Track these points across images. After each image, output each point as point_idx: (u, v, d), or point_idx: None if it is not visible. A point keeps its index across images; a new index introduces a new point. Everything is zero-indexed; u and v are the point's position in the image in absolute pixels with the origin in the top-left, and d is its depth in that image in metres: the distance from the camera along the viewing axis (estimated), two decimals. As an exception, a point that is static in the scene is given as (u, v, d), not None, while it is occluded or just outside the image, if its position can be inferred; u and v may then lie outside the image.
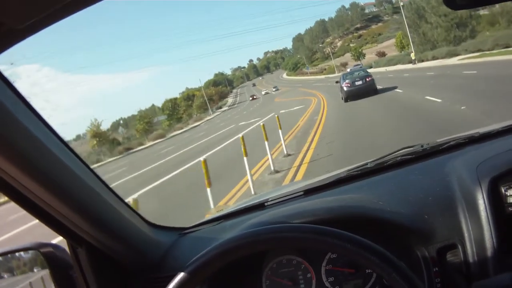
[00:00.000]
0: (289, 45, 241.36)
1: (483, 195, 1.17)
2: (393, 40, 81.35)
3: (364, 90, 21.41)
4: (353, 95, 21.65)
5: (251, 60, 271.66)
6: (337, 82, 25.12)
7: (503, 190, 1.18)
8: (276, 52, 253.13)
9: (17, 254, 1.45)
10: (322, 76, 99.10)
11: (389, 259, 0.93)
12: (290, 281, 1.37)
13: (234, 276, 1.37)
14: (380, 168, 1.60)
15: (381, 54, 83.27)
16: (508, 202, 1.17)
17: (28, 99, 0.96)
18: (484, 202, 1.17)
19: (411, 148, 1.69)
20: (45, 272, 1.33)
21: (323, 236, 0.98)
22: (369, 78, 22.08)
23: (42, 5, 0.73)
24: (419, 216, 1.24)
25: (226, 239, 1.03)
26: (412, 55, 44.93)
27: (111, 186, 1.25)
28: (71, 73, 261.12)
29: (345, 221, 1.26)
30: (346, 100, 22.14)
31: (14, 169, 0.93)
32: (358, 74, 23.12)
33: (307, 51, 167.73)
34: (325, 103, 26.59)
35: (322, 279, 1.35)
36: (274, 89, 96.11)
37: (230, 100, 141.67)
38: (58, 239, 1.32)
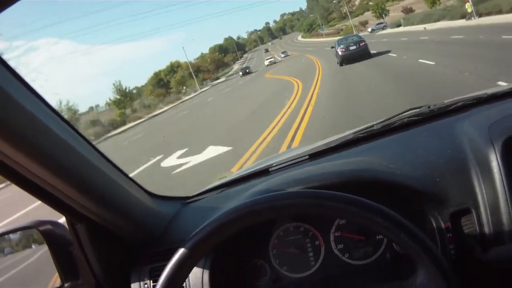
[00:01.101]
0: (304, 5, 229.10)
1: (496, 156, 1.13)
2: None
3: (358, 54, 22.63)
4: (347, 59, 22.86)
5: (267, 23, 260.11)
6: (332, 47, 26.56)
7: None
8: (293, 14, 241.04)
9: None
10: (339, 37, 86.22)
11: (397, 220, 0.91)
12: (298, 249, 1.34)
13: (241, 244, 1.35)
14: (387, 130, 1.58)
15: (408, 11, 69.99)
16: None
17: (21, 74, 0.95)
18: (498, 164, 1.12)
19: (418, 109, 1.64)
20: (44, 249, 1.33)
21: (324, 200, 0.96)
22: (363, 43, 23.37)
23: None
24: (430, 179, 1.20)
25: (223, 212, 1.00)
26: (468, 6, 27.67)
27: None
28: (91, 44, 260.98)
29: (355, 185, 1.22)
30: (341, 64, 23.31)
31: (7, 145, 0.90)
32: (352, 39, 24.27)
33: (323, 11, 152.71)
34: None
35: (331, 246, 1.32)
36: (282, 55, 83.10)
37: (236, 67, 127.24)
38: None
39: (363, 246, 1.30)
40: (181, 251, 0.98)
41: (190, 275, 1.11)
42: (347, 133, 1.72)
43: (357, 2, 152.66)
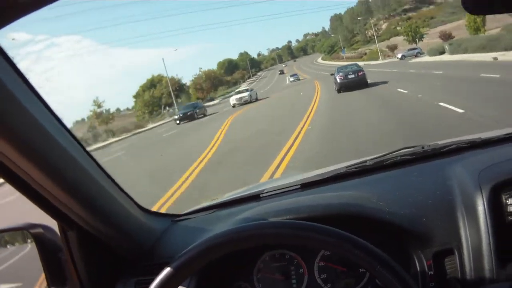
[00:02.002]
0: (327, 25, 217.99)
1: (483, 202, 1.16)
2: (453, 24, 57.98)
3: (356, 83, 23.52)
4: (345, 87, 23.69)
5: (289, 42, 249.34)
6: (331, 74, 27.48)
7: (504, 199, 1.16)
8: (316, 35, 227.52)
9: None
10: (361, 63, 73.28)
11: (372, 251, 0.94)
12: (282, 275, 1.36)
13: (226, 266, 1.37)
14: (379, 167, 1.60)
15: (447, 36, 58.58)
16: (508, 211, 1.15)
17: (27, 77, 0.96)
18: (485, 209, 1.15)
19: (412, 149, 1.66)
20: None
21: (307, 232, 0.99)
22: (361, 73, 24.39)
23: None
24: (417, 218, 1.23)
25: (211, 236, 1.04)
26: None
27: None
28: (109, 45, 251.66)
29: (342, 219, 1.25)
30: (339, 91, 24.22)
31: (7, 147, 0.92)
32: (352, 68, 25.31)
33: (346, 32, 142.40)
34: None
35: (315, 276, 1.34)
36: (292, 79, 70.64)
37: (244, 86, 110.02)
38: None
39: (346, 278, 1.31)
40: (168, 269, 1.00)
41: None
42: (340, 166, 1.74)
43: (384, 26, 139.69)
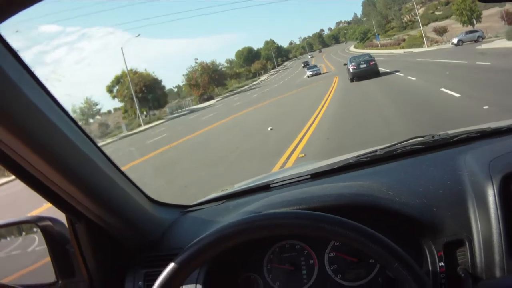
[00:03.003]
0: (359, 10, 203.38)
1: (494, 192, 1.14)
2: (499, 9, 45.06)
3: (367, 72, 24.21)
4: (358, 76, 24.54)
5: (322, 30, 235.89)
6: (344, 64, 28.98)
7: None
8: (349, 23, 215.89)
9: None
10: (400, 51, 58.43)
11: (391, 247, 0.94)
12: (292, 266, 1.36)
13: (236, 257, 1.38)
14: (389, 156, 1.59)
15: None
16: None
17: (33, 69, 0.97)
18: (495, 200, 1.14)
19: (422, 138, 1.66)
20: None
21: (320, 223, 0.99)
22: (373, 62, 24.97)
23: None
24: (428, 208, 1.22)
25: (221, 226, 1.04)
26: None
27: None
28: (146, 36, 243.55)
29: (353, 209, 1.25)
30: (351, 80, 25.07)
31: (15, 141, 0.94)
32: (364, 58, 25.99)
33: (380, 18, 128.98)
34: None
35: (325, 266, 1.34)
36: (309, 72, 51.52)
37: (264, 77, 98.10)
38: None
39: (356, 268, 1.31)
40: (177, 260, 1.00)
41: (184, 285, 1.13)
42: (350, 155, 1.74)
43: (420, 11, 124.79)
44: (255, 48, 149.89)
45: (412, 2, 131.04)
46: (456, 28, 56.55)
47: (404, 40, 76.22)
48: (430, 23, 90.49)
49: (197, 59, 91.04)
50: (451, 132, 1.66)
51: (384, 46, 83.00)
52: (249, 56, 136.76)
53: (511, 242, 1.09)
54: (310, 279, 1.34)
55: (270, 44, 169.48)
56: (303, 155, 8.82)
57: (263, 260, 1.39)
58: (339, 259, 1.33)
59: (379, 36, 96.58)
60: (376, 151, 1.65)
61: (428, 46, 51.58)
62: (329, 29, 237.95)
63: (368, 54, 27.90)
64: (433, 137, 1.64)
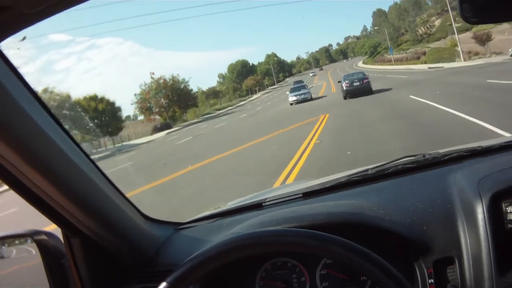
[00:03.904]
0: (369, 23, 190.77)
1: (483, 210, 1.16)
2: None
3: (360, 90, 24.55)
4: (351, 94, 24.84)
5: (330, 45, 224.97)
6: (339, 82, 29.06)
7: (504, 207, 1.16)
8: (358, 38, 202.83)
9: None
10: (422, 66, 45.20)
11: (382, 265, 0.94)
12: (284, 283, 1.38)
13: (229, 274, 1.39)
14: (381, 175, 1.60)
15: None
16: (508, 219, 1.16)
17: (32, 85, 1.00)
18: (484, 218, 1.15)
19: (413, 157, 1.67)
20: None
21: (309, 240, 1.00)
22: (366, 80, 25.28)
23: None
24: (418, 226, 1.24)
25: (215, 244, 1.05)
26: None
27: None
28: (154, 48, 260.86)
29: (344, 227, 1.26)
30: (345, 97, 25.30)
31: (13, 155, 0.96)
32: (357, 76, 26.17)
33: (391, 30, 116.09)
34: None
35: (316, 284, 1.35)
36: (294, 97, 34.35)
37: (254, 97, 79.68)
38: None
39: (348, 286, 1.32)
40: (170, 278, 1.01)
41: None
42: (341, 174, 1.75)
43: (436, 23, 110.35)
44: (255, 62, 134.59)
45: (427, 13, 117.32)
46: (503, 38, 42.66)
47: (424, 53, 62.73)
48: (447, 35, 77.13)
49: (153, 73, 67.01)
50: (442, 151, 1.66)
51: (399, 62, 69.80)
52: (243, 71, 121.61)
53: (500, 260, 1.11)
54: None
55: (272, 57, 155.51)
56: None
57: (255, 277, 1.40)
58: (330, 276, 1.34)
59: (392, 49, 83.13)
60: (367, 170, 1.65)
61: (465, 60, 37.30)
62: (338, 44, 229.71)
63: (362, 72, 28.06)
64: (424, 156, 1.63)
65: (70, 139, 1.11)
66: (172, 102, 60.03)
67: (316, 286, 1.35)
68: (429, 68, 37.72)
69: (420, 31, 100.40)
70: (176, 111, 62.49)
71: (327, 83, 59.48)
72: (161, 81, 60.55)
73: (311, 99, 33.77)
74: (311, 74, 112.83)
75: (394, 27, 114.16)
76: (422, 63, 53.43)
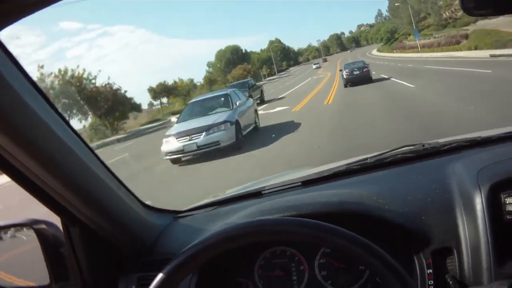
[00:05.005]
0: (384, 6, 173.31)
1: (482, 201, 1.17)
2: None
3: (360, 78, 24.62)
4: (351, 82, 24.90)
5: (342, 33, 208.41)
6: (340, 70, 28.99)
7: (502, 198, 1.17)
8: (371, 26, 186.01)
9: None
10: (474, 53, 31.20)
11: (378, 253, 0.94)
12: (283, 272, 1.38)
13: (228, 262, 1.39)
14: (379, 164, 1.60)
15: None
16: (507, 210, 1.16)
17: (31, 75, 1.00)
18: (483, 208, 1.16)
19: (412, 147, 1.66)
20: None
21: (304, 229, 0.99)
22: (366, 69, 25.32)
23: None
24: (416, 216, 1.25)
25: (213, 232, 1.04)
26: None
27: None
28: (166, 36, 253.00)
29: (342, 216, 1.26)
30: (345, 86, 25.38)
31: (11, 145, 0.96)
32: (357, 65, 26.33)
33: (412, 13, 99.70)
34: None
35: (315, 272, 1.36)
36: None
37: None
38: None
39: (346, 275, 1.32)
40: (170, 265, 1.01)
41: None
42: (340, 163, 1.75)
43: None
44: (240, 47, 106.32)
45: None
46: None
47: (466, 36, 46.48)
48: (478, 20, 59.59)
49: (41, 66, 34.86)
50: (442, 140, 1.65)
51: (427, 48, 53.63)
52: (233, 59, 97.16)
53: (498, 250, 1.11)
54: (301, 285, 1.36)
55: (275, 44, 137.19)
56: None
57: (254, 266, 1.40)
58: (329, 265, 1.34)
59: (418, 32, 66.50)
60: (366, 159, 1.65)
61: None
62: (350, 32, 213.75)
63: (362, 61, 28.30)
64: (423, 145, 1.63)
65: (69, 128, 1.10)
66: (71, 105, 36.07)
67: (315, 275, 1.35)
68: (492, 56, 25.70)
69: (444, 15, 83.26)
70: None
71: (326, 77, 44.03)
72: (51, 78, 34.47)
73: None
74: (314, 66, 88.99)
75: (413, 10, 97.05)
76: (468, 49, 37.16)
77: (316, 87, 32.52)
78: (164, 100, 51.29)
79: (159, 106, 51.39)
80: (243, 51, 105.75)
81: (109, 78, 59.24)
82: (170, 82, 53.41)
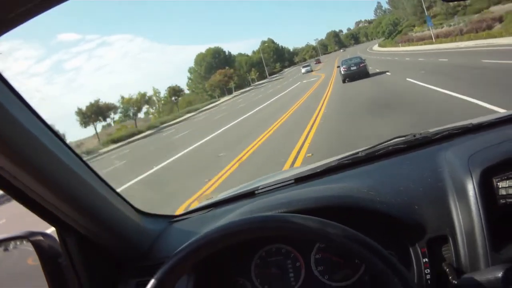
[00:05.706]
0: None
1: (474, 186, 1.16)
2: None
3: (357, 73, 25.48)
4: (349, 77, 25.75)
5: (340, 31, 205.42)
6: (338, 67, 29.17)
7: (495, 182, 1.16)
8: (370, 22, 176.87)
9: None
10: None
11: (367, 243, 0.94)
12: (279, 269, 1.38)
13: (224, 262, 1.40)
14: (371, 158, 1.60)
15: None
16: (500, 194, 1.16)
17: (17, 88, 1.00)
18: (475, 194, 1.16)
19: (403, 138, 1.67)
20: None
21: (291, 224, 0.99)
22: (363, 64, 26.09)
23: None
24: (409, 206, 1.24)
25: (204, 232, 1.05)
26: None
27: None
28: (166, 43, 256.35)
29: (334, 211, 1.26)
30: (343, 81, 26.13)
31: (2, 158, 0.97)
32: (355, 60, 27.03)
33: (415, 2, 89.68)
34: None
35: (312, 268, 1.36)
36: None
37: (217, 103, 56.48)
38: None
39: (343, 269, 1.33)
40: (160, 271, 1.02)
41: None
42: (333, 159, 1.75)
43: None
44: (222, 49, 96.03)
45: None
46: None
47: (500, 19, 36.32)
48: (491, 6, 49.84)
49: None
50: (433, 130, 1.65)
51: (443, 37, 43.54)
52: (214, 63, 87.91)
53: (493, 235, 1.11)
54: (298, 281, 1.36)
55: (268, 44, 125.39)
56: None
57: (250, 265, 1.40)
58: (325, 260, 1.34)
59: (430, 19, 56.02)
60: (358, 153, 1.65)
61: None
62: (348, 29, 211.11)
63: (359, 57, 28.47)
64: (414, 136, 1.63)
65: (57, 139, 1.11)
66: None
67: (312, 270, 1.35)
68: None
69: (451, 4, 73.04)
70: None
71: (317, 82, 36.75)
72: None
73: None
74: (303, 70, 73.39)
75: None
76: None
77: (306, 93, 28.99)
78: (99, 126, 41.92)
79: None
80: (226, 54, 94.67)
81: None
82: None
